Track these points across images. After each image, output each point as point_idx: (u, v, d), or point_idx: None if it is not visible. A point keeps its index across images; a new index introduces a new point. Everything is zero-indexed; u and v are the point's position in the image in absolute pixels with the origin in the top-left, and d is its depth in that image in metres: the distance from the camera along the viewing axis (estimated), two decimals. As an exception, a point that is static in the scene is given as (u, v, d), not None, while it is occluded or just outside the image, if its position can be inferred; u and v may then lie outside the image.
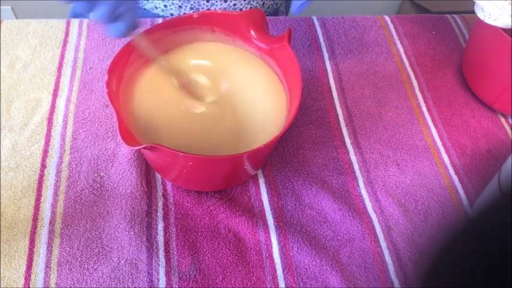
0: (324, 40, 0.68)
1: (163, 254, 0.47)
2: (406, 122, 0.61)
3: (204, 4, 0.69)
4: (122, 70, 0.48)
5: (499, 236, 0.21)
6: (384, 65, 0.67)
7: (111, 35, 0.43)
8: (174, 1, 0.68)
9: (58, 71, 0.60)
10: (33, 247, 0.47)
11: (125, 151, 0.53)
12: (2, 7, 1.50)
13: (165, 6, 0.69)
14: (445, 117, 0.62)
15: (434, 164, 0.57)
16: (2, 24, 0.64)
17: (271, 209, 0.51)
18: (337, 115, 0.60)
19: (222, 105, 0.52)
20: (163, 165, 0.49)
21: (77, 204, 0.50)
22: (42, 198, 0.50)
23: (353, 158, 0.56)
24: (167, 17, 0.71)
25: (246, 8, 0.71)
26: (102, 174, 0.52)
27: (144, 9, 0.72)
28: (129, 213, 0.49)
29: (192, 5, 0.68)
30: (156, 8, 0.70)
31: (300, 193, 0.53)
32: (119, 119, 0.42)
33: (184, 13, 0.69)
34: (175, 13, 0.70)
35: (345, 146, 0.57)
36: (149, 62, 0.53)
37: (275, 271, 0.47)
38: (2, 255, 0.46)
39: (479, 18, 0.55)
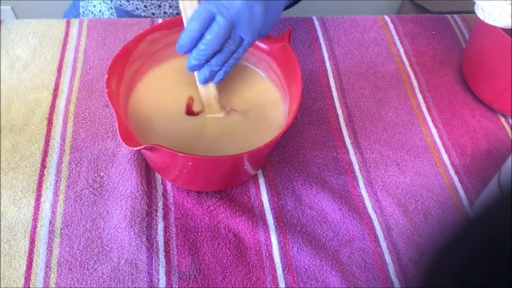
0: (324, 40, 0.68)
1: (163, 254, 0.47)
2: (406, 122, 0.61)
3: None
4: (121, 70, 0.48)
5: (499, 236, 0.21)
6: (384, 65, 0.67)
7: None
8: (153, 1, 0.68)
9: (58, 71, 0.60)
10: (33, 247, 0.47)
11: (125, 151, 0.53)
12: (2, 7, 1.50)
13: (145, 6, 0.69)
14: (445, 117, 0.62)
15: (434, 164, 0.57)
16: (2, 24, 0.64)
17: (271, 209, 0.51)
18: (337, 115, 0.60)
19: (222, 106, 0.52)
20: (163, 166, 0.49)
21: (77, 204, 0.50)
22: (42, 198, 0.50)
23: (353, 158, 0.56)
24: (149, 17, 0.70)
25: None
26: (102, 174, 0.52)
27: (126, 11, 0.72)
28: (129, 213, 0.49)
29: (170, 3, 0.68)
30: (137, 9, 0.69)
31: (300, 193, 0.53)
32: (119, 119, 0.42)
33: (165, 11, 0.69)
34: (156, 12, 0.69)
35: (345, 146, 0.57)
36: (149, 62, 0.53)
37: (275, 271, 0.47)
38: (2, 255, 0.46)
39: (479, 18, 0.55)
